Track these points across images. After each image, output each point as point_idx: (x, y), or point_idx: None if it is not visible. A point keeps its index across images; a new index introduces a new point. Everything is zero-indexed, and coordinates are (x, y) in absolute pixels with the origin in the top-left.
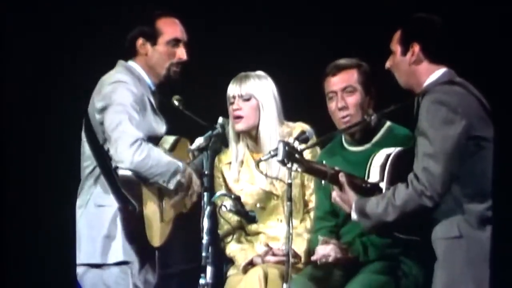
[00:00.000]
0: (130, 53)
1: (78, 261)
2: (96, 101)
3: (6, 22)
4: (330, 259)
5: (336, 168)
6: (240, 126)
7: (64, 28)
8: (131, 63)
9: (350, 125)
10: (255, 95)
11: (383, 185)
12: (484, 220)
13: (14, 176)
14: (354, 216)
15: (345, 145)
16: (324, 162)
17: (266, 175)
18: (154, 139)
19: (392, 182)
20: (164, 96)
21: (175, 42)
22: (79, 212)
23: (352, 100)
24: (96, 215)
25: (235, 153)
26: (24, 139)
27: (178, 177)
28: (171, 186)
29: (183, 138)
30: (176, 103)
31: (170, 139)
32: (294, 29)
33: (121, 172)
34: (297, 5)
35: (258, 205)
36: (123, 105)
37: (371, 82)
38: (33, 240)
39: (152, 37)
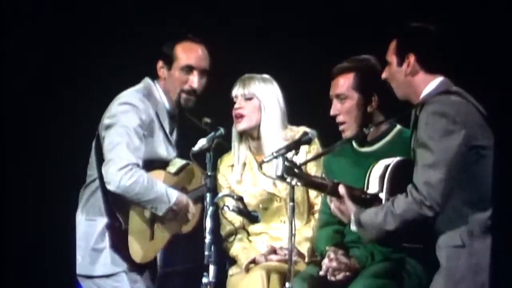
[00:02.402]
0: (143, 67)
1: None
2: (105, 118)
3: (7, 23)
4: (339, 277)
5: (335, 180)
6: (242, 125)
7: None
8: (156, 83)
9: (348, 138)
10: (257, 95)
11: (382, 195)
12: (486, 229)
13: (15, 180)
14: (353, 227)
15: (354, 145)
16: (331, 161)
17: (269, 177)
18: (158, 163)
19: (391, 192)
20: (193, 115)
21: (189, 69)
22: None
23: (343, 107)
24: (86, 228)
25: (237, 155)
26: (25, 143)
27: (169, 205)
28: (160, 213)
29: (191, 164)
30: (204, 127)
31: (179, 163)
32: (298, 33)
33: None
34: (301, 9)
35: (260, 206)
36: (126, 127)
37: (372, 84)
38: (34, 242)
39: (169, 62)
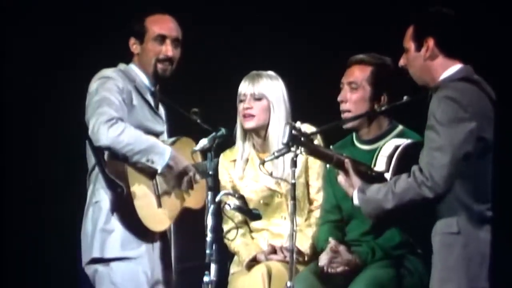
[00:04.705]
0: (130, 55)
1: (84, 259)
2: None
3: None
4: (338, 270)
5: (344, 154)
6: (250, 124)
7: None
8: (130, 65)
9: (353, 117)
10: (267, 95)
11: (388, 175)
12: (484, 220)
13: (16, 175)
14: (355, 200)
15: (356, 142)
16: None
17: (270, 175)
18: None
19: (397, 173)
20: (174, 102)
21: (161, 38)
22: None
23: (353, 96)
24: (93, 212)
25: (241, 151)
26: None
27: (165, 159)
28: (158, 167)
29: (184, 137)
30: (193, 116)
31: (173, 138)
32: (302, 30)
33: (106, 153)
34: (306, 5)
35: (261, 201)
36: (103, 94)
37: (386, 83)
38: (36, 239)
39: (140, 36)
